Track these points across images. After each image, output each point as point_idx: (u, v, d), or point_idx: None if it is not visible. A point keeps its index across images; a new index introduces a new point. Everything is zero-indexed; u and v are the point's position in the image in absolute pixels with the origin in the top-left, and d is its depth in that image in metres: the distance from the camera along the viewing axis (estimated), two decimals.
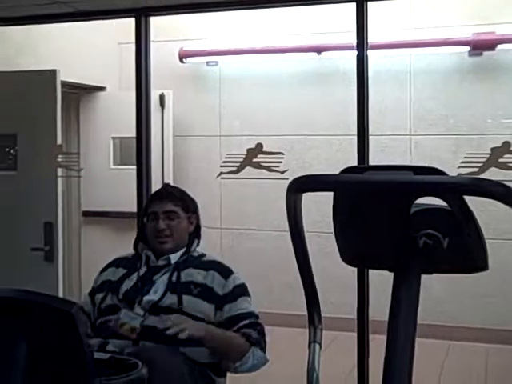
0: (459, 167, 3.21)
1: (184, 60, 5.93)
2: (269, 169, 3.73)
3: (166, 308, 2.65)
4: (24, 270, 4.49)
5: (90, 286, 2.99)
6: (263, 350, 2.69)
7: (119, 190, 5.67)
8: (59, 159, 4.50)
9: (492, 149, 3.26)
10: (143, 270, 2.80)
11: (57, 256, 4.58)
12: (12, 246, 4.61)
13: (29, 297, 1.87)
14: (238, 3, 3.97)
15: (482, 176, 3.07)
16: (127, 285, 2.77)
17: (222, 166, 3.89)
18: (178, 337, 2.42)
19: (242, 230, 5.69)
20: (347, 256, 1.56)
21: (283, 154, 3.76)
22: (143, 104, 4.29)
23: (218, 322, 2.68)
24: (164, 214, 2.83)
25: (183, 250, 2.85)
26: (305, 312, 1.82)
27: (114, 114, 5.88)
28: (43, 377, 1.88)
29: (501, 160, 3.27)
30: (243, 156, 3.84)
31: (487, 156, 3.24)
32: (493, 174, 3.07)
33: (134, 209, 4.93)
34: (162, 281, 2.74)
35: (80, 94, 6.00)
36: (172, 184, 3.14)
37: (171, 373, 2.33)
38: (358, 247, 1.50)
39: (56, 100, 4.60)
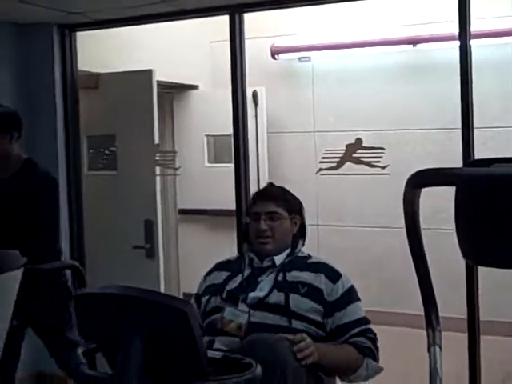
0: None
1: (276, 56, 5.90)
2: (369, 164, 3.67)
3: (273, 305, 2.62)
4: (126, 267, 4.58)
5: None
6: (376, 359, 2.65)
7: (214, 188, 5.71)
8: (157, 158, 4.57)
9: None
10: (247, 271, 2.78)
11: (157, 253, 4.66)
12: (114, 244, 4.72)
13: (144, 295, 1.89)
14: None
15: None
16: (231, 286, 2.76)
17: (321, 162, 3.85)
18: (306, 361, 2.39)
19: (340, 226, 5.61)
20: (473, 254, 1.48)
21: (384, 149, 3.69)
22: (239, 101, 4.30)
23: (329, 329, 2.65)
24: (266, 214, 2.80)
25: (288, 251, 2.81)
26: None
27: (207, 112, 5.92)
28: (159, 373, 1.89)
29: None
30: (342, 152, 3.79)
31: None
32: None
33: (229, 206, 4.96)
34: (267, 280, 2.71)
35: (173, 92, 6.07)
36: (274, 183, 3.10)
37: (277, 369, 2.31)
38: (487, 245, 1.42)
39: (152, 99, 4.68)
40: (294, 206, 2.88)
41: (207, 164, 5.98)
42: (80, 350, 2.21)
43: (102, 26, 4.59)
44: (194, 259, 5.76)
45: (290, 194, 2.94)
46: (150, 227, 4.65)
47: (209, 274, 2.92)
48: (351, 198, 5.49)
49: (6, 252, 2.63)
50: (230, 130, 5.45)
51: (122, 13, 4.34)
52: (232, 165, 5.59)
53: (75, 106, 4.65)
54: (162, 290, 4.55)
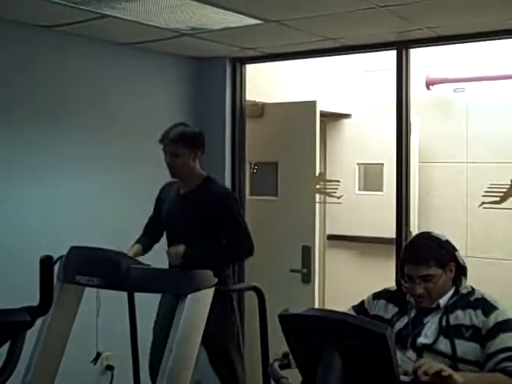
0: None
1: (430, 87, 5.95)
2: None
3: (440, 352, 2.66)
4: (283, 290, 4.77)
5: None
6: None
7: (364, 215, 5.82)
8: (318, 186, 4.76)
9: None
10: (413, 312, 2.84)
11: (313, 278, 4.83)
12: (273, 266, 4.93)
13: (346, 318, 2.06)
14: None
15: None
16: (399, 325, 2.81)
17: (484, 196, 3.88)
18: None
19: (489, 258, 5.53)
20: None
21: None
22: (403, 131, 4.43)
23: (482, 360, 2.63)
24: (419, 278, 2.77)
25: (451, 292, 2.83)
26: None
27: (359, 140, 6.06)
28: None
29: None
30: (507, 186, 3.82)
31: None
32: None
33: (379, 234, 5.08)
34: (432, 324, 2.74)
35: (326, 121, 6.23)
36: (428, 232, 2.99)
37: None
38: None
39: (315, 130, 4.88)
40: (446, 256, 2.82)
41: (358, 192, 6.09)
42: (276, 364, 2.42)
43: (269, 59, 4.86)
44: (340, 284, 5.89)
45: (440, 241, 2.87)
46: (307, 253, 4.84)
47: (378, 297, 2.97)
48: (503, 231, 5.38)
49: (202, 272, 2.88)
50: (380, 159, 5.63)
51: (289, 48, 4.59)
52: (382, 193, 5.72)
53: (242, 133, 4.95)
54: None
